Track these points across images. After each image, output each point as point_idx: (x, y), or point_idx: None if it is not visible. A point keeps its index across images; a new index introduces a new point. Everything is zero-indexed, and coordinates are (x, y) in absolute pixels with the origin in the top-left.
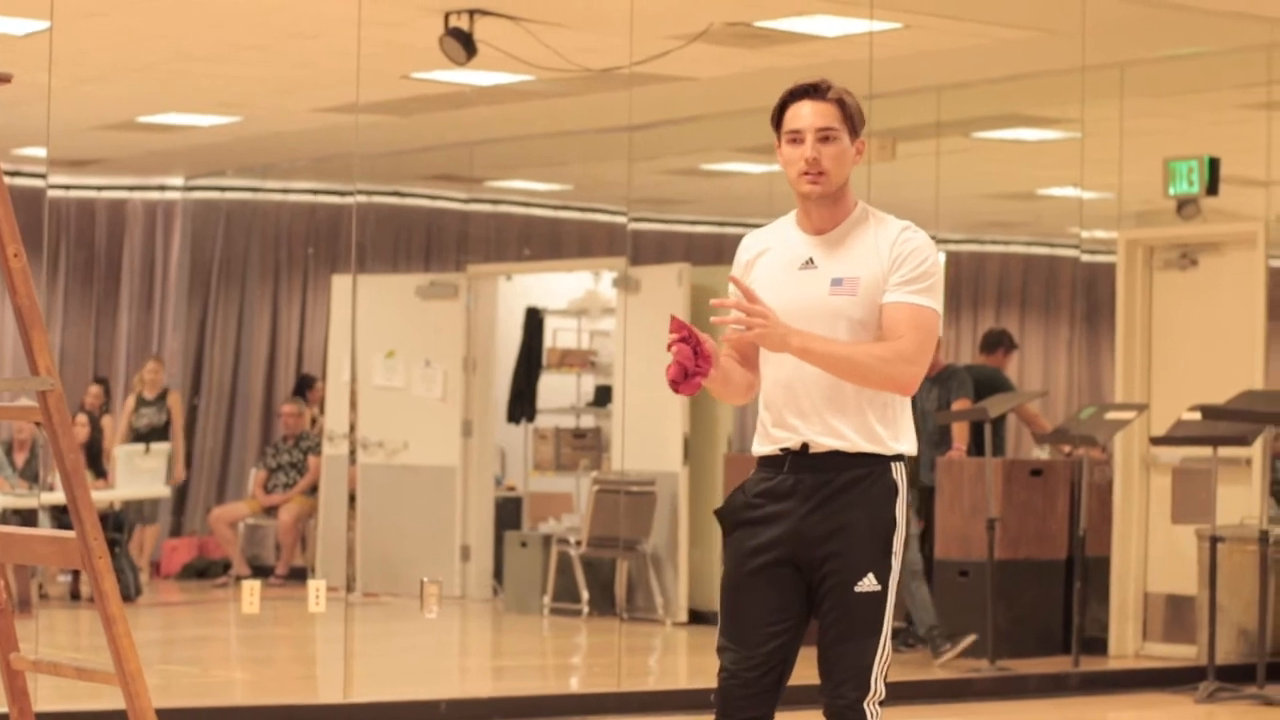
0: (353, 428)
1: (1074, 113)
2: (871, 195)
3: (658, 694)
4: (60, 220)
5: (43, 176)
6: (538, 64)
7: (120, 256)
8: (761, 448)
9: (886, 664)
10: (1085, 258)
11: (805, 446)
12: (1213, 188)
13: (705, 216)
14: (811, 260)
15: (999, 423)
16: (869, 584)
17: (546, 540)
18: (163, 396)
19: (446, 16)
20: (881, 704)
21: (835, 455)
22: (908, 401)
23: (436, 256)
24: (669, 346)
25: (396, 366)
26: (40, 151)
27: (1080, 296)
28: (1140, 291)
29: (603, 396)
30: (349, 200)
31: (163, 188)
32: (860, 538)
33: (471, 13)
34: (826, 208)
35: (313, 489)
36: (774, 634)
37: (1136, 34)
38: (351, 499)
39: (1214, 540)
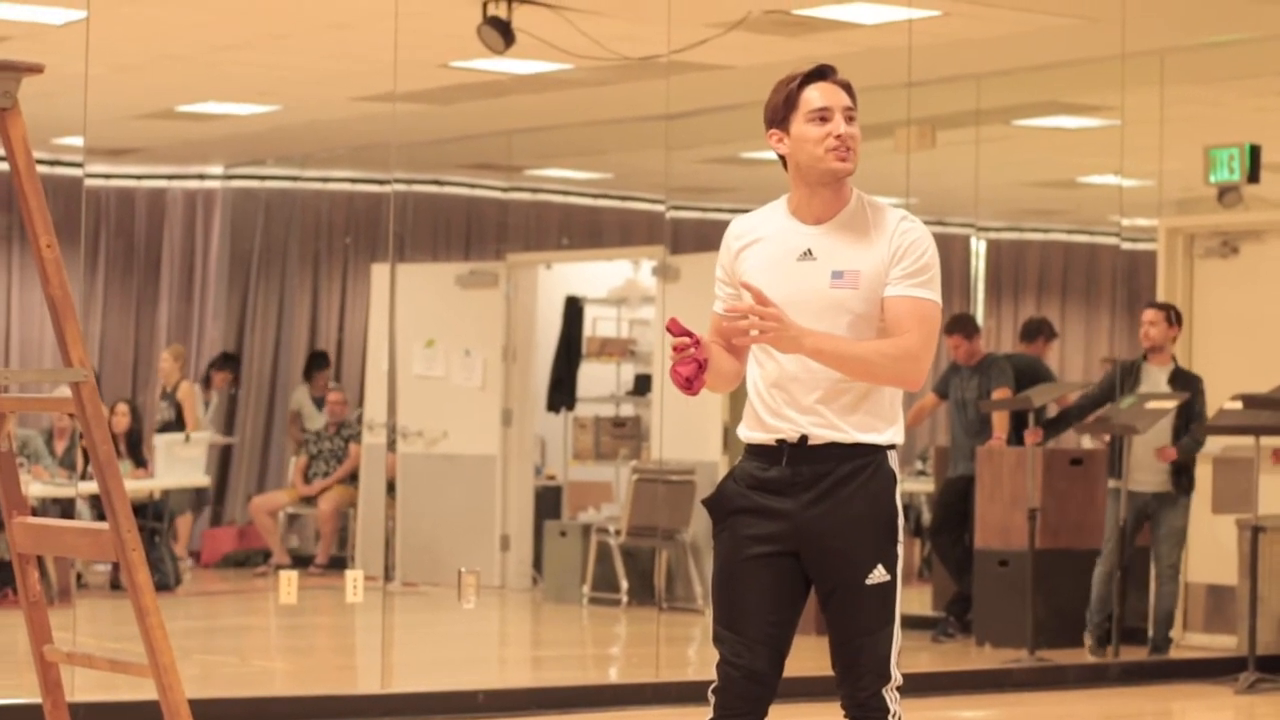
0: (392, 416)
1: (1114, 100)
2: (911, 184)
3: (696, 684)
4: (100, 209)
5: (80, 166)
6: (576, 52)
7: (160, 246)
8: (754, 435)
9: (899, 649)
10: (1126, 246)
11: (804, 439)
12: (1254, 175)
13: (744, 205)
14: (810, 251)
15: (1039, 412)
16: (879, 575)
17: (586, 530)
18: (176, 389)
19: (485, 4)
20: (899, 689)
21: (833, 447)
22: (900, 391)
23: (476, 245)
24: (676, 349)
25: (436, 355)
26: (78, 141)
27: (1121, 285)
28: (1181, 279)
29: (642, 385)
30: (388, 189)
31: (202, 176)
32: (866, 530)
33: (509, 1)
34: (830, 196)
35: (353, 478)
36: (774, 622)
37: (1177, 21)
38: (391, 488)
39: (1255, 530)
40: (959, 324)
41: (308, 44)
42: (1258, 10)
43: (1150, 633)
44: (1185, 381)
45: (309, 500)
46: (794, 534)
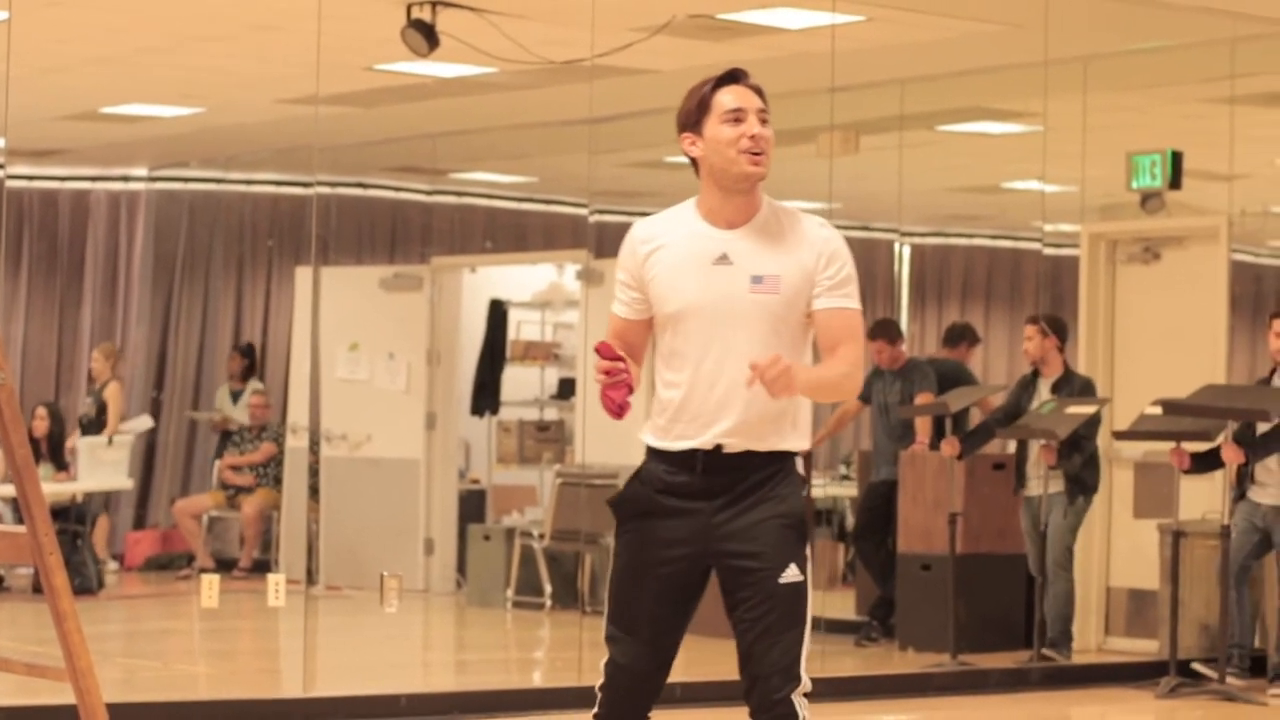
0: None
1: (1037, 106)
2: (834, 188)
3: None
4: (22, 211)
5: (1, 167)
6: (500, 56)
7: (83, 248)
8: (664, 444)
9: (808, 654)
10: (1049, 251)
11: (719, 448)
12: (1175, 182)
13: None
14: (726, 256)
15: (961, 417)
16: (792, 574)
17: (509, 533)
18: (104, 387)
19: (408, 8)
20: (807, 695)
21: (746, 455)
22: (810, 401)
23: (400, 248)
24: (606, 373)
25: (360, 359)
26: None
27: (1044, 290)
28: (1103, 285)
29: (566, 389)
30: (311, 192)
31: (126, 178)
32: (777, 531)
33: (433, 4)
34: (742, 200)
35: (277, 481)
36: (668, 629)
37: (1099, 28)
38: (314, 491)
39: (1176, 535)
40: (882, 329)
41: (231, 46)
42: (1179, 18)
43: (1047, 632)
44: (1070, 387)
45: (233, 504)
46: (703, 538)
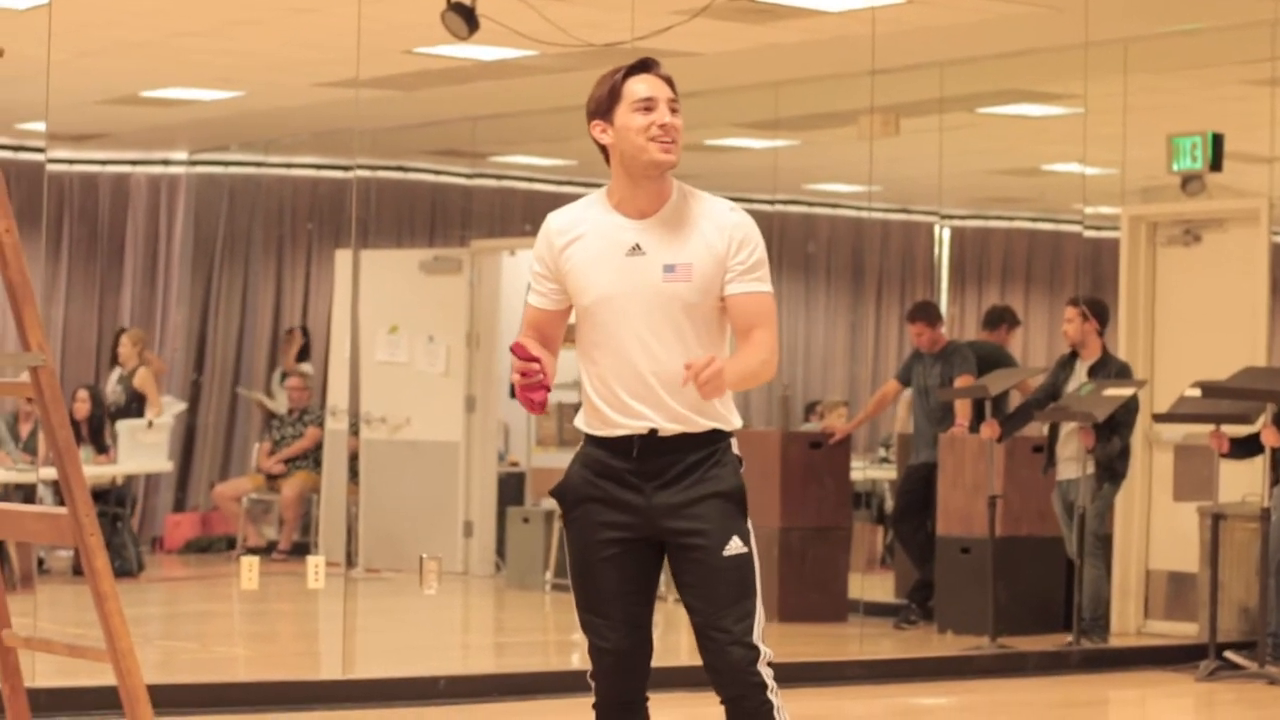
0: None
1: (1077, 88)
2: (874, 171)
3: (657, 670)
4: (63, 195)
5: (42, 151)
6: (540, 39)
7: (124, 231)
8: (599, 430)
9: (762, 625)
10: (1089, 234)
11: (653, 432)
12: (1216, 164)
13: (707, 192)
14: (639, 246)
15: (1001, 399)
16: (735, 547)
17: (549, 516)
18: (133, 373)
19: None
20: (771, 664)
21: (682, 438)
22: None
23: (440, 232)
24: (522, 374)
25: (400, 342)
26: (40, 126)
27: (1084, 273)
28: (1144, 268)
29: None
30: (351, 175)
31: (166, 162)
32: (717, 505)
33: None
34: (653, 189)
35: (316, 464)
36: (635, 603)
37: (1140, 9)
38: (354, 474)
39: (1216, 518)
40: (922, 311)
41: (271, 30)
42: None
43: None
44: (1106, 371)
45: (273, 486)
46: (645, 524)
